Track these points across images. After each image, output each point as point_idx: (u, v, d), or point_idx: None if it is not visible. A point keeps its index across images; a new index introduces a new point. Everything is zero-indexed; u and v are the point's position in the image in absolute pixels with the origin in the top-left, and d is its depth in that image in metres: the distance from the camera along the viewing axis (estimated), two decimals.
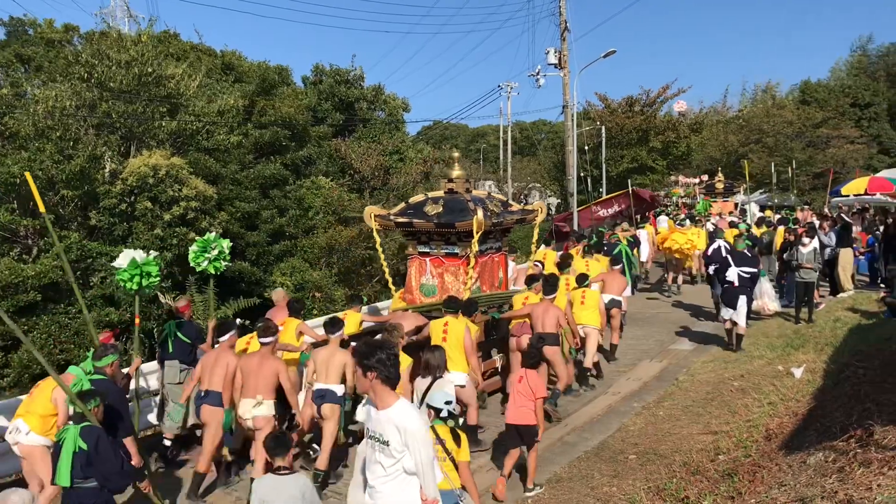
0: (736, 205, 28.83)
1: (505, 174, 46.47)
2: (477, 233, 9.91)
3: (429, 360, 7.12)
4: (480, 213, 9.98)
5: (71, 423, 5.61)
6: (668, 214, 25.67)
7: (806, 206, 24.31)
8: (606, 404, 10.56)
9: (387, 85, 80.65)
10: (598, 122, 40.62)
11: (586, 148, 37.43)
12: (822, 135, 41.30)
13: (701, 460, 7.60)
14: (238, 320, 10.38)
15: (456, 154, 13.24)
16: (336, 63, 32.12)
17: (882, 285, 15.65)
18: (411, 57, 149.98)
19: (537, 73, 30.99)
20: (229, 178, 20.00)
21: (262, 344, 7.68)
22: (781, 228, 17.49)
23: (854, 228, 17.81)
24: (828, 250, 15.90)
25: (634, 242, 17.90)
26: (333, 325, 8.25)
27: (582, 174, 35.14)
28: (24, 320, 14.44)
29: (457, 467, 5.47)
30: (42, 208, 7.52)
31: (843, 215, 17.41)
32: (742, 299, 12.33)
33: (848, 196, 23.84)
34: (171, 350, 8.77)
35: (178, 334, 8.83)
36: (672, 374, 11.73)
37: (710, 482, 6.77)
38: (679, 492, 6.74)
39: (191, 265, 8.96)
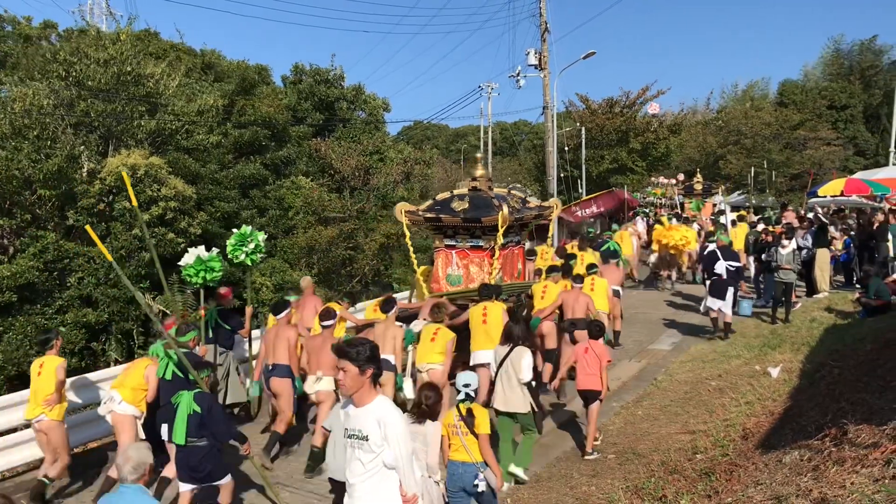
0: (714, 205, 29.10)
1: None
2: (502, 227, 10.72)
3: (512, 331, 8.02)
4: (506, 209, 10.81)
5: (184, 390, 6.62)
6: (645, 215, 25.92)
7: (791, 208, 24.60)
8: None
9: (367, 85, 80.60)
10: (579, 123, 40.77)
11: (567, 148, 37.55)
12: (799, 136, 41.76)
13: (679, 459, 7.66)
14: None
15: (479, 155, 13.85)
16: (316, 62, 32.06)
17: (857, 286, 15.87)
18: (392, 57, 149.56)
19: (518, 74, 31.10)
20: (209, 178, 19.87)
21: (324, 327, 8.60)
22: (742, 226, 18.21)
23: (830, 229, 18.03)
24: (804, 251, 16.09)
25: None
26: (388, 304, 9.24)
27: (562, 175, 35.26)
28: (0, 321, 14.29)
29: (478, 439, 5.92)
30: (134, 202, 8.20)
31: (820, 216, 17.59)
32: (730, 291, 13.27)
33: (825, 197, 24.10)
34: (211, 335, 9.47)
35: (219, 320, 9.58)
36: (651, 373, 11.84)
37: (688, 481, 6.83)
38: (657, 491, 6.80)
39: (228, 256, 9.54)
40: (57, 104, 16.55)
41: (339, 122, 29.94)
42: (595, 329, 8.75)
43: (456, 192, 11.92)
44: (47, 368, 7.55)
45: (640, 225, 22.53)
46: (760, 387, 9.85)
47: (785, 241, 14.34)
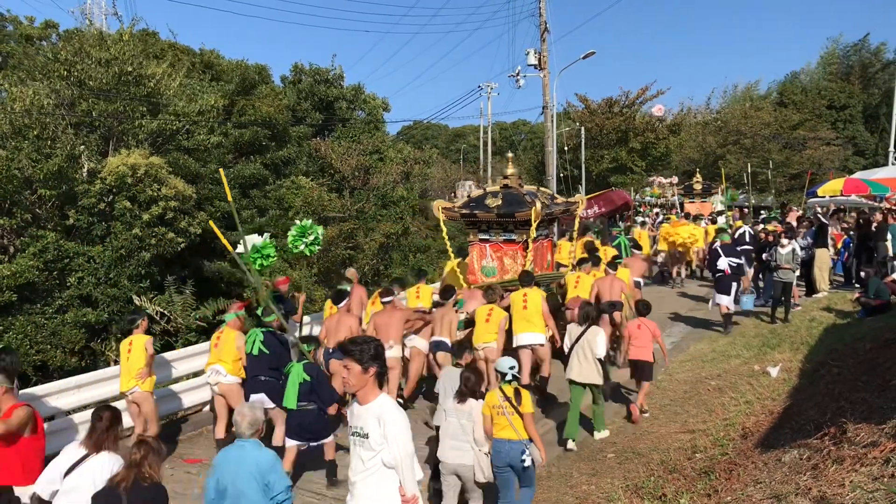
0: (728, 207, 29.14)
1: (485, 174, 46.52)
2: (535, 221, 11.46)
3: (588, 312, 9.05)
4: (539, 204, 11.62)
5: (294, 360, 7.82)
6: (642, 216, 26.05)
7: (795, 208, 24.67)
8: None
9: (367, 84, 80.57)
10: (578, 123, 40.84)
11: (566, 148, 37.63)
12: (798, 136, 41.77)
13: (678, 458, 7.68)
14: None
15: (510, 155, 14.38)
16: (316, 62, 32.04)
17: (856, 285, 15.89)
18: (391, 56, 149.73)
19: (517, 74, 31.08)
20: (209, 178, 19.86)
21: (384, 304, 10.09)
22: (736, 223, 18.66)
23: (829, 229, 18.07)
24: (803, 251, 16.12)
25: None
26: (446, 292, 10.37)
27: (562, 174, 35.30)
28: (0, 320, 14.29)
29: (523, 418, 6.35)
30: (230, 197, 8.96)
31: (819, 216, 17.62)
32: (734, 286, 13.92)
33: (824, 197, 24.14)
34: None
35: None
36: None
37: (688, 480, 6.84)
38: (656, 490, 6.82)
39: (289, 247, 10.18)
40: (58, 104, 16.54)
41: (338, 122, 29.94)
42: (643, 307, 10.00)
43: (489, 189, 12.82)
44: (136, 346, 8.41)
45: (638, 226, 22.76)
46: (760, 386, 9.86)
47: (784, 241, 14.36)
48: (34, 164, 15.26)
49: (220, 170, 10.62)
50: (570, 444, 8.72)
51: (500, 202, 11.95)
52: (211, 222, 9.12)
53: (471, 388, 6.50)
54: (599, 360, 8.73)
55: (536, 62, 28.04)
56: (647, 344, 9.55)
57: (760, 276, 16.80)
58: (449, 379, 7.26)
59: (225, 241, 8.40)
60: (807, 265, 16.45)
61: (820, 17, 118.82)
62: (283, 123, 25.19)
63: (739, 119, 43.80)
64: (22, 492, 5.53)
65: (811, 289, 16.64)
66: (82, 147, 16.66)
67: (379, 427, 4.26)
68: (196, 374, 10.75)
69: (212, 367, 8.65)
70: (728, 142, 42.83)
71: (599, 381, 8.81)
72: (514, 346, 10.00)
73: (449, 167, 50.98)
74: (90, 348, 15.41)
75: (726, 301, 13.89)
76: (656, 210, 31.49)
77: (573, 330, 9.09)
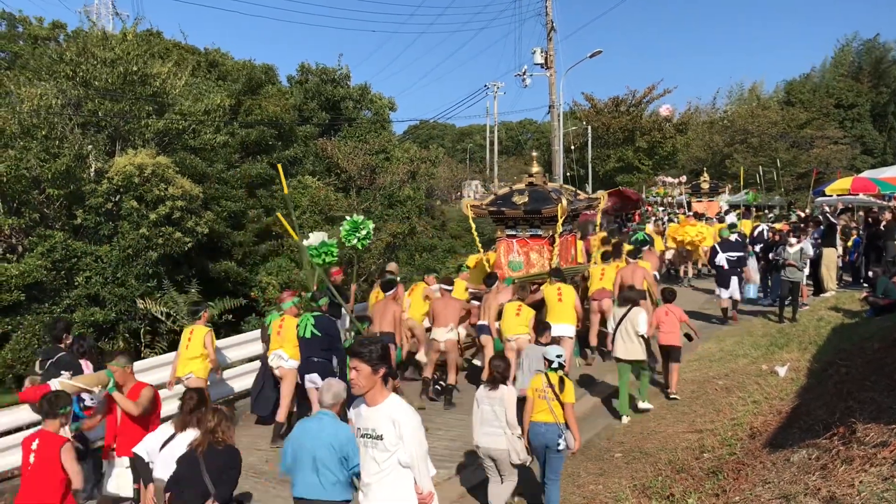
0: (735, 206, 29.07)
1: (491, 174, 46.52)
2: (561, 217, 11.94)
3: (629, 296, 10.15)
4: (565, 201, 12.11)
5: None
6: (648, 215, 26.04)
7: (799, 212, 24.64)
8: (592, 403, 10.64)
9: (373, 84, 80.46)
10: (585, 122, 40.79)
11: (573, 147, 37.56)
12: (806, 135, 41.58)
13: (686, 458, 7.66)
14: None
15: (535, 154, 14.97)
16: (322, 62, 32.03)
17: (865, 284, 15.81)
18: (398, 56, 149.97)
19: (524, 73, 31.08)
20: (215, 178, 19.87)
21: (443, 290, 11.04)
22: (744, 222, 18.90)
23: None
24: (812, 250, 16.05)
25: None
26: (490, 279, 11.09)
27: (568, 174, 35.23)
28: (8, 320, 14.32)
29: (563, 407, 6.70)
30: (286, 189, 10.18)
31: (828, 215, 17.55)
32: (733, 279, 14.53)
33: (832, 196, 24.04)
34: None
35: (332, 297, 10.67)
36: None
37: (695, 480, 6.83)
38: (664, 489, 6.80)
39: (342, 240, 10.74)
40: (65, 104, 16.59)
41: (345, 122, 29.95)
42: (669, 294, 10.73)
43: (514, 187, 13.25)
44: (196, 336, 9.14)
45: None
46: (768, 386, 9.83)
47: (792, 240, 14.32)
48: (42, 163, 15.31)
49: (279, 166, 11.54)
50: (625, 420, 9.66)
51: (526, 199, 12.41)
52: (279, 214, 10.57)
53: (501, 374, 6.79)
54: (642, 337, 9.64)
55: (543, 61, 28.04)
56: (674, 329, 10.16)
57: (768, 275, 16.74)
58: (531, 356, 8.31)
59: (291, 230, 9.64)
60: (815, 264, 16.39)
61: (825, 16, 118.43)
62: (290, 123, 25.22)
63: (746, 118, 43.64)
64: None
65: (819, 288, 16.58)
66: (90, 147, 16.70)
67: (394, 428, 4.26)
68: (243, 362, 11.60)
69: (275, 353, 9.32)
70: (735, 141, 42.66)
71: (643, 356, 9.77)
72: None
73: (455, 167, 50.99)
74: (98, 347, 15.45)
75: (725, 294, 14.59)
76: (661, 209, 31.43)
77: (616, 312, 10.06)
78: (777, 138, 41.06)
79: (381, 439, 4.30)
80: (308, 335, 9.03)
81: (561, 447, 6.65)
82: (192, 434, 5.48)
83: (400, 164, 27.82)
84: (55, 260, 15.10)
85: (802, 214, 23.33)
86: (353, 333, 9.04)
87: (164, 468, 5.47)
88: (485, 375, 9.31)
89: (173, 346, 14.16)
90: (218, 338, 10.41)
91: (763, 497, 5.45)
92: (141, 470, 6.07)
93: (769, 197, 33.76)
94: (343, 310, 11.03)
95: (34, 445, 5.50)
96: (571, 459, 8.49)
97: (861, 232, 18.10)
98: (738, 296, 14.75)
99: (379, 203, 24.98)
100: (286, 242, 21.14)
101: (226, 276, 19.16)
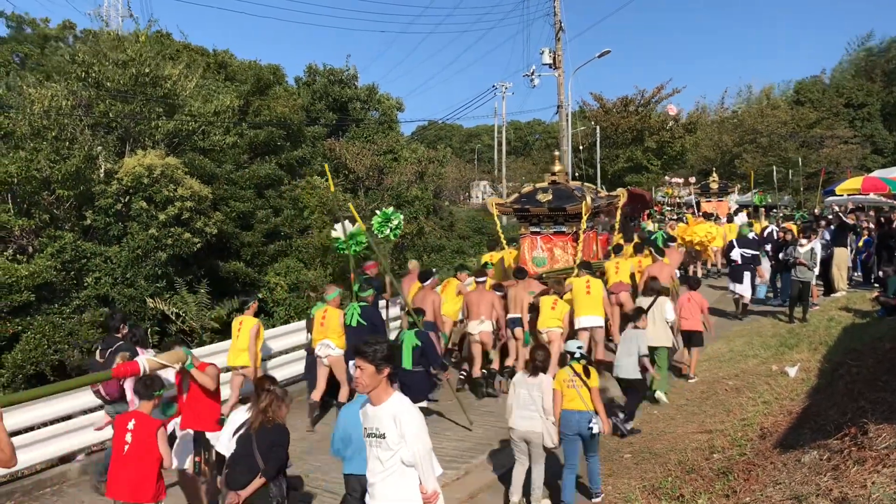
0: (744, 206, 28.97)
1: (500, 174, 46.47)
2: (585, 214, 12.40)
3: (652, 286, 10.85)
4: (589, 198, 12.55)
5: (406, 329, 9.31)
6: (656, 216, 25.97)
7: (816, 210, 24.49)
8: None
9: (381, 85, 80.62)
10: (593, 122, 40.65)
11: (581, 147, 37.46)
12: (815, 135, 41.37)
13: (696, 459, 7.62)
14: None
15: (556, 153, 15.37)
16: (329, 63, 32.07)
17: (875, 284, 15.72)
18: (405, 57, 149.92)
19: (532, 74, 31.03)
20: (224, 178, 19.91)
21: (478, 283, 11.44)
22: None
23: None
24: (821, 250, 15.96)
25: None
26: (520, 273, 11.57)
27: (577, 174, 35.15)
28: (19, 320, 14.36)
29: (590, 393, 7.12)
30: (332, 188, 10.60)
31: (839, 215, 17.46)
32: (746, 275, 14.91)
33: (842, 196, 23.92)
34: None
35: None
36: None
37: (706, 480, 6.79)
38: (674, 490, 6.77)
39: (374, 231, 11.10)
40: (75, 105, 16.65)
41: (352, 123, 29.97)
42: (694, 282, 11.73)
43: (538, 185, 13.69)
44: (245, 326, 9.67)
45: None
46: (778, 386, 9.78)
47: (803, 240, 14.24)
48: (52, 164, 15.37)
49: (326, 165, 12.25)
50: (664, 398, 10.31)
51: (550, 197, 12.86)
52: (326, 166, 11.05)
53: (541, 363, 7.15)
54: (669, 326, 10.31)
55: (551, 61, 27.97)
56: (695, 315, 10.79)
57: (778, 275, 16.66)
58: (628, 339, 9.28)
59: (355, 213, 10.29)
60: (825, 264, 16.30)
61: (834, 18, 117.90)
62: (298, 124, 25.24)
63: (756, 117, 43.45)
64: (211, 436, 6.81)
65: (829, 288, 16.49)
66: (99, 148, 16.76)
67: (395, 426, 4.25)
68: (287, 351, 12.14)
69: (321, 342, 9.76)
70: (744, 140, 42.48)
71: (669, 343, 10.45)
72: (577, 327, 10.97)
73: (463, 167, 50.97)
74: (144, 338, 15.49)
75: (740, 289, 14.95)
76: (669, 209, 31.33)
77: (643, 302, 10.66)
78: (786, 138, 40.87)
79: (384, 438, 4.29)
80: (354, 324, 9.57)
81: (594, 431, 7.07)
82: (244, 411, 5.82)
83: (408, 164, 27.81)
84: (65, 261, 15.16)
85: (816, 212, 23.18)
86: (409, 323, 9.49)
87: (222, 443, 6.01)
88: (520, 365, 10.42)
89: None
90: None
91: (774, 498, 5.42)
92: (203, 445, 6.85)
93: (779, 197, 33.62)
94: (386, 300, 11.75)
95: (130, 426, 5.82)
96: (581, 460, 8.49)
97: (873, 232, 18.00)
98: (749, 293, 15.06)
99: (387, 203, 24.97)
100: (295, 243, 21.18)
101: (235, 276, 19.21)
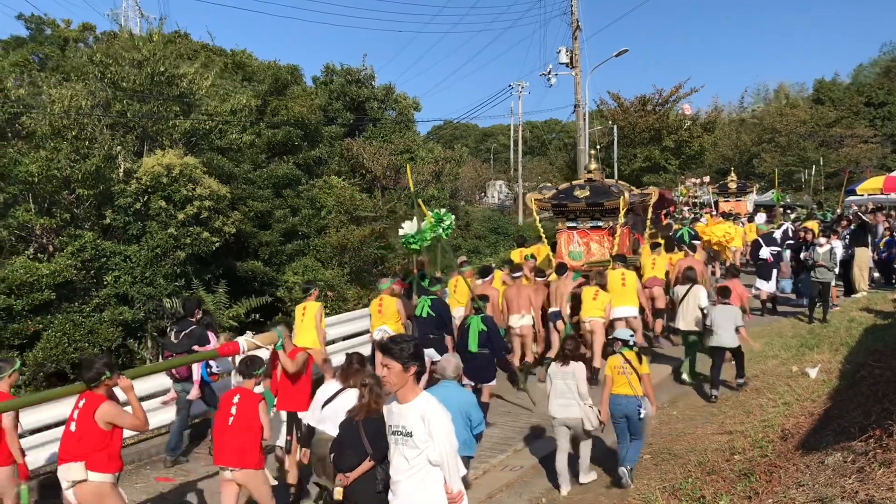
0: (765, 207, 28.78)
1: (516, 174, 46.37)
2: (623, 209, 13.08)
3: (688, 275, 11.55)
4: (627, 194, 13.28)
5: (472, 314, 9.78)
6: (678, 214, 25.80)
7: (837, 210, 24.27)
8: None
9: (398, 84, 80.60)
10: (611, 121, 40.52)
11: (598, 147, 37.32)
12: (835, 134, 41.00)
13: (716, 460, 7.57)
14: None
15: (592, 152, 16.57)
16: (347, 62, 32.00)
17: None
18: (422, 56, 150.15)
19: (549, 73, 30.95)
20: (242, 178, 19.94)
21: (514, 278, 12.26)
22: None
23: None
24: (841, 251, 15.81)
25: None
26: (561, 269, 12.15)
27: None
28: (39, 318, 14.47)
29: (640, 379, 7.57)
30: (411, 187, 12.46)
31: (860, 214, 17.29)
32: (774, 272, 15.44)
33: (863, 195, 23.71)
34: (413, 290, 11.89)
35: (420, 282, 11.91)
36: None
37: (727, 482, 6.75)
38: (695, 491, 6.73)
39: (429, 232, 11.46)
40: (94, 105, 16.74)
41: (369, 122, 30.00)
42: (734, 270, 12.65)
43: (574, 182, 14.48)
44: (309, 311, 10.43)
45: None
46: (798, 387, 9.70)
47: (821, 240, 14.13)
48: (72, 164, 15.46)
49: (408, 166, 13.56)
50: (685, 376, 11.26)
51: (587, 193, 13.52)
52: (419, 202, 11.72)
53: (572, 352, 7.69)
54: (702, 312, 10.80)
55: (568, 60, 27.89)
56: (734, 301, 10.80)
57: (799, 275, 16.53)
58: (720, 314, 10.30)
59: (426, 211, 11.28)
60: (846, 265, 16.14)
61: (849, 20, 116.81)
62: (316, 123, 25.27)
63: (775, 117, 43.12)
64: (302, 416, 7.38)
65: (850, 289, 16.33)
66: (118, 147, 16.84)
67: (423, 425, 4.24)
68: (346, 338, 12.92)
69: (379, 328, 10.58)
70: (763, 140, 42.17)
71: (699, 328, 10.87)
72: (612, 317, 11.51)
73: (479, 166, 50.89)
74: (126, 346, 15.57)
75: (767, 287, 15.27)
76: (686, 208, 31.15)
77: (679, 290, 11.51)
78: (806, 137, 40.54)
79: (411, 436, 4.28)
80: (425, 314, 10.27)
81: (641, 415, 7.51)
82: (353, 394, 6.16)
83: (424, 164, 27.80)
84: (85, 259, 15.25)
85: (838, 212, 22.96)
86: (475, 309, 9.91)
87: (324, 422, 6.47)
88: (551, 354, 11.01)
89: None
90: (240, 334, 10.79)
91: (797, 500, 5.36)
92: (297, 426, 7.49)
93: (797, 197, 33.38)
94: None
95: (235, 400, 6.48)
96: (604, 461, 8.46)
97: (894, 232, 17.81)
98: (774, 289, 15.55)
99: (403, 203, 24.97)
100: (312, 242, 21.23)
101: (252, 275, 19.26)
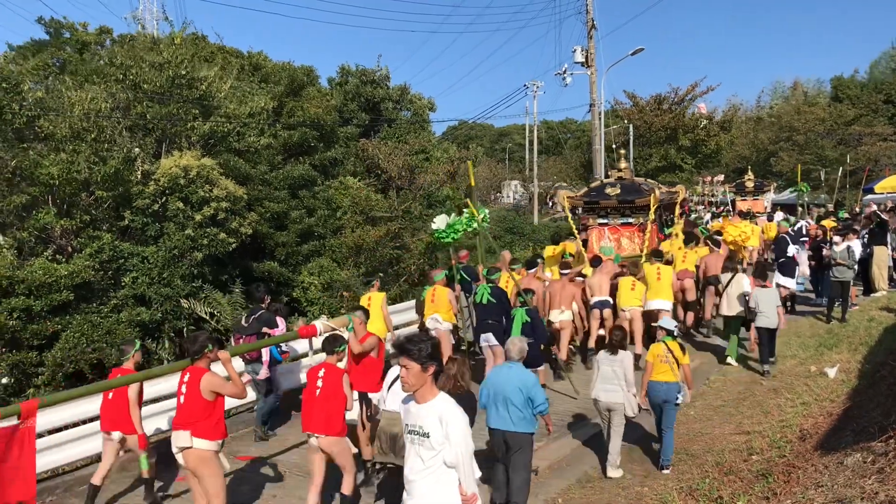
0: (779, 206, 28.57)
1: (531, 173, 46.28)
2: (654, 206, 13.58)
3: (730, 266, 12.28)
4: (658, 191, 13.80)
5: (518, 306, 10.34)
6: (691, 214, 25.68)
7: (855, 209, 24.04)
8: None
9: (412, 84, 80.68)
10: (627, 121, 40.38)
11: (614, 146, 37.18)
12: (853, 132, 40.59)
13: (734, 460, 7.54)
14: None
15: (622, 151, 16.49)
16: (361, 63, 32.02)
17: None
18: (437, 56, 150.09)
19: (564, 72, 30.88)
20: (259, 179, 20.02)
21: (562, 274, 12.46)
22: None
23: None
24: (860, 249, 15.67)
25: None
26: (597, 261, 12.67)
27: (609, 173, 34.91)
28: (58, 319, 14.59)
29: (682, 368, 8.05)
30: (472, 182, 12.05)
31: (879, 213, 17.11)
32: (797, 269, 15.56)
33: (881, 194, 23.49)
34: (456, 283, 12.33)
35: (462, 274, 12.51)
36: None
37: (744, 482, 6.72)
38: (712, 492, 6.70)
39: (464, 225, 11.81)
40: (114, 107, 16.87)
41: (384, 123, 30.04)
42: (763, 268, 12.60)
43: (605, 180, 15.09)
44: (374, 300, 11.12)
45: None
46: (817, 387, 9.64)
47: (837, 238, 14.02)
48: (92, 166, 15.58)
49: (469, 163, 13.17)
50: (733, 363, 11.90)
51: (618, 190, 14.05)
52: (469, 201, 12.06)
53: (619, 341, 8.10)
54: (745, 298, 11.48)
55: (583, 59, 27.82)
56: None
57: (818, 274, 16.41)
58: (762, 298, 11.07)
59: (472, 206, 11.57)
60: (864, 264, 15.99)
61: (866, 17, 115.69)
62: (331, 124, 25.32)
63: (792, 115, 42.75)
64: (372, 396, 7.84)
65: (869, 288, 16.18)
66: (138, 150, 16.96)
67: (440, 427, 4.24)
68: (398, 328, 13.04)
69: (431, 317, 11.24)
70: (780, 138, 41.83)
71: (742, 312, 11.62)
72: (646, 309, 11.97)
73: (494, 166, 50.84)
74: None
75: (791, 283, 15.17)
76: (701, 207, 30.97)
77: (723, 277, 12.25)
78: (824, 135, 40.17)
79: (428, 437, 4.28)
80: (485, 301, 10.74)
81: (679, 401, 8.03)
82: None
83: (439, 164, 27.80)
84: (103, 260, 15.36)
85: (857, 210, 22.77)
86: (520, 302, 10.35)
87: (392, 401, 6.66)
88: (591, 342, 12.05)
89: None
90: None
91: (816, 501, 5.33)
92: (366, 403, 7.93)
93: (814, 196, 33.08)
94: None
95: (321, 374, 7.04)
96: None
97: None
98: (795, 287, 15.56)
99: (419, 203, 24.97)
100: (328, 243, 21.29)
101: (269, 276, 19.34)
